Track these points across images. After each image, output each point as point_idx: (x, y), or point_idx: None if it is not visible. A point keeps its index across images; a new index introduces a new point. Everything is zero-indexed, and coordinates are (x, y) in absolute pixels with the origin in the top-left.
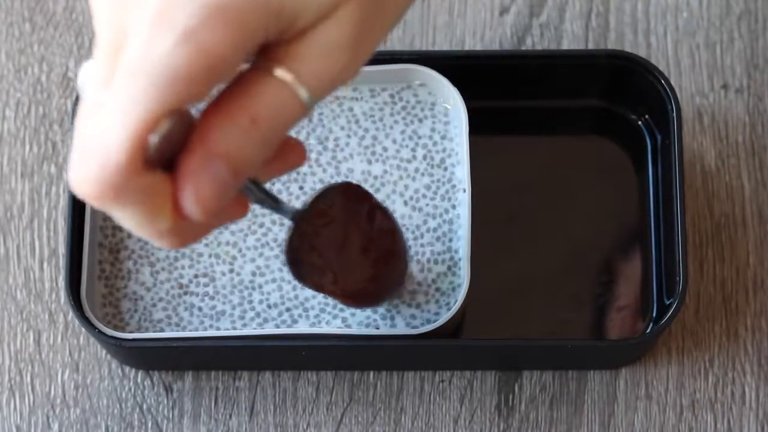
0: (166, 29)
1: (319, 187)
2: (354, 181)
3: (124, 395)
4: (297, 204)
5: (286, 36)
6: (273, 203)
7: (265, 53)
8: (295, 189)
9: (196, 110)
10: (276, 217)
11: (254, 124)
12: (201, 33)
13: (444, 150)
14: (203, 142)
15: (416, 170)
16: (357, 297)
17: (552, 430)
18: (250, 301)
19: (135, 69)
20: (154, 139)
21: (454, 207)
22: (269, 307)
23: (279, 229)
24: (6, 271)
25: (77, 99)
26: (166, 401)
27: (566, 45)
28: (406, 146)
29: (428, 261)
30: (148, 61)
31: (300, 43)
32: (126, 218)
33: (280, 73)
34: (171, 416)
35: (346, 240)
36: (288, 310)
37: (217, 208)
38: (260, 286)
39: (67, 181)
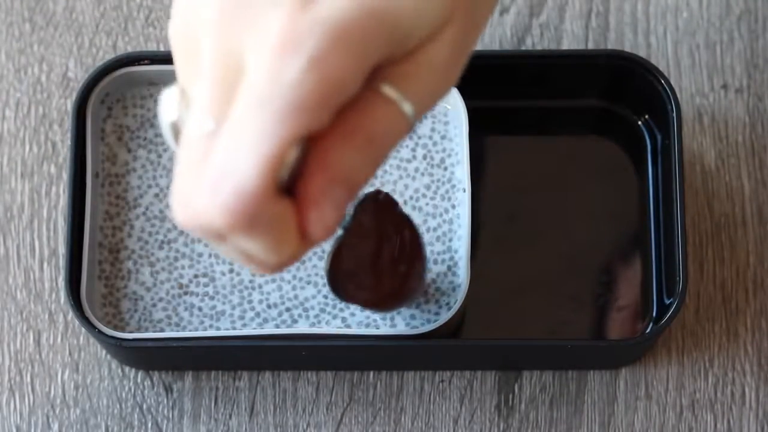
0: (292, 56)
1: None
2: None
3: (124, 395)
4: None
5: (396, 56)
6: None
7: (374, 73)
8: None
9: None
10: None
11: (370, 144)
12: (328, 59)
13: (444, 150)
14: (324, 167)
15: (416, 170)
16: (386, 304)
17: (552, 430)
18: (250, 301)
19: (263, 98)
20: (285, 166)
21: (453, 207)
22: (269, 307)
23: None
24: (6, 271)
25: (77, 99)
26: (166, 401)
27: (566, 45)
28: (406, 146)
29: (428, 261)
30: (277, 89)
31: (409, 62)
32: (252, 246)
33: (390, 91)
34: (171, 416)
35: (380, 251)
36: (288, 310)
37: (336, 228)
38: (260, 286)
39: (175, 217)
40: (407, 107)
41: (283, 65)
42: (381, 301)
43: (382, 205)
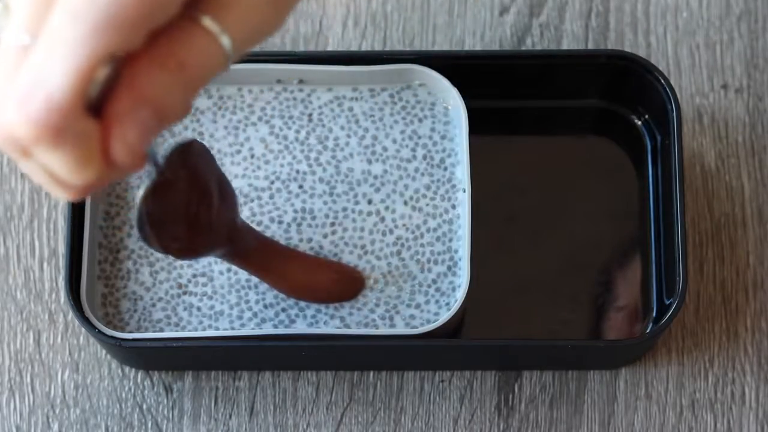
0: None
1: (318, 186)
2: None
3: (124, 395)
4: (295, 203)
5: None
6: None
7: (195, 2)
8: (295, 188)
9: None
10: (275, 215)
11: (181, 70)
12: None
13: (444, 150)
14: (131, 87)
15: (416, 170)
16: (194, 253)
17: (552, 430)
18: (247, 301)
19: (77, 11)
20: (94, 82)
21: (454, 207)
22: (266, 307)
23: (277, 227)
24: (6, 271)
25: None
26: (166, 401)
27: (566, 45)
28: (406, 146)
29: (428, 261)
30: (91, 3)
31: None
32: (56, 163)
33: (207, 22)
34: (171, 416)
35: (190, 201)
36: (284, 310)
37: (142, 155)
38: (256, 286)
39: None
40: (225, 41)
41: None
42: (189, 251)
43: (197, 155)
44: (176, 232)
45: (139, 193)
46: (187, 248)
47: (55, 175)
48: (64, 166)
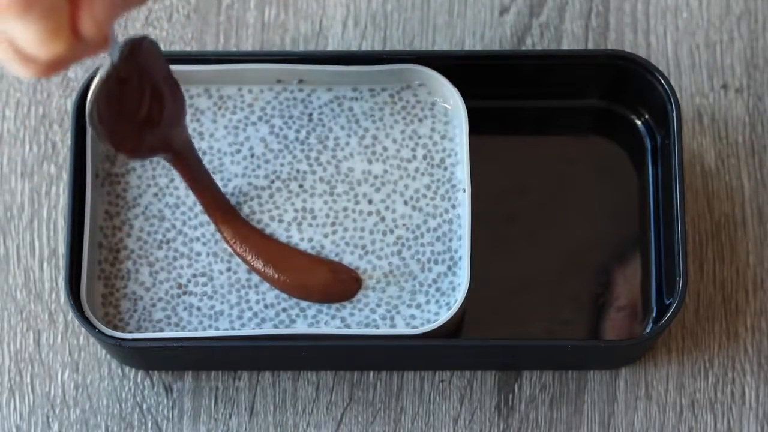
0: None
1: (319, 186)
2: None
3: (124, 395)
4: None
5: None
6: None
7: None
8: (295, 187)
9: None
10: (275, 214)
11: None
12: None
13: (444, 150)
14: None
15: (416, 170)
16: (139, 153)
17: (552, 430)
18: (247, 301)
19: None
20: None
21: (454, 207)
22: (266, 307)
23: (277, 226)
24: (6, 271)
25: (77, 99)
26: (166, 401)
27: (566, 45)
28: (406, 146)
29: (428, 261)
30: None
31: None
32: (23, 34)
33: None
34: (171, 416)
35: (141, 99)
36: (284, 310)
37: (107, 33)
38: (256, 286)
39: None
40: None
41: None
42: (139, 150)
43: (147, 53)
44: (127, 130)
45: (92, 88)
46: (138, 147)
47: (22, 48)
48: (33, 38)
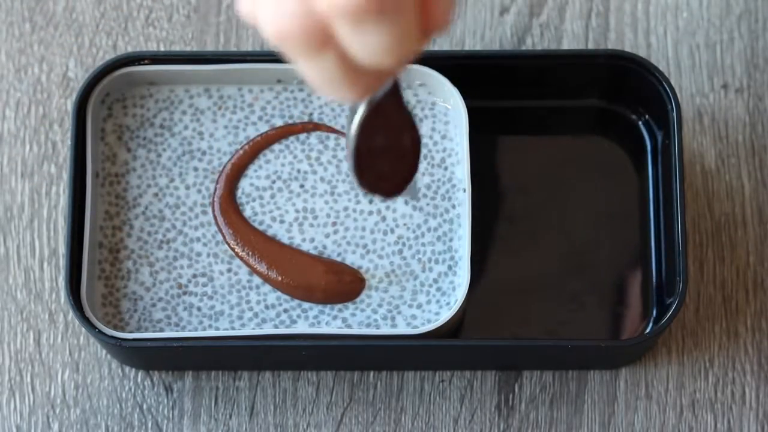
0: None
1: (320, 186)
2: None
3: (124, 395)
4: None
5: None
6: None
7: None
8: (296, 187)
9: None
10: (276, 214)
11: None
12: None
13: (444, 150)
14: None
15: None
16: (392, 194)
17: (552, 430)
18: (248, 301)
19: None
20: None
21: (454, 207)
22: (267, 307)
23: (279, 226)
24: (6, 271)
25: (77, 99)
26: (166, 401)
27: (566, 45)
28: None
29: (429, 260)
30: None
31: None
32: (373, 41)
33: None
34: (171, 416)
35: (398, 138)
36: (286, 311)
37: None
38: (257, 287)
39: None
40: None
41: None
42: (392, 191)
43: (398, 92)
44: (384, 168)
45: (356, 122)
46: (395, 189)
47: (356, 63)
48: (383, 43)
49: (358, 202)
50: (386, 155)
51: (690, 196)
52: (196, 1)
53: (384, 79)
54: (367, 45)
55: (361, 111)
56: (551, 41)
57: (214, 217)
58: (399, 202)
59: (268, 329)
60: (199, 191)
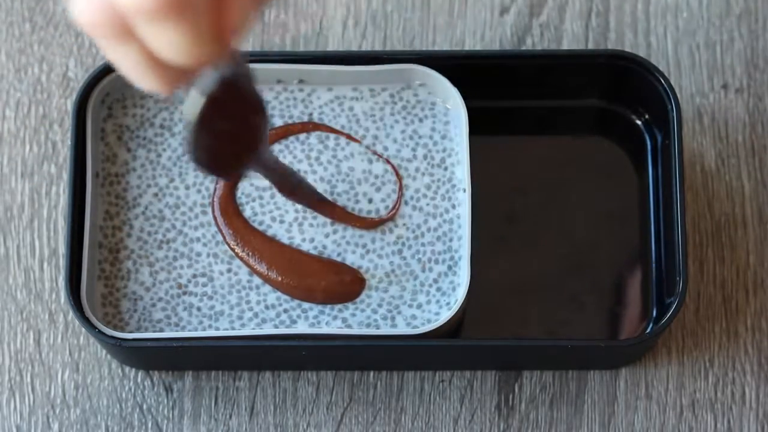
0: None
1: (319, 186)
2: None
3: (124, 395)
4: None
5: None
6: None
7: None
8: None
9: None
10: (276, 214)
11: None
12: None
13: (444, 150)
14: None
15: (416, 170)
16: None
17: (552, 430)
18: (248, 302)
19: None
20: None
21: (454, 207)
22: (267, 308)
23: (279, 226)
24: (6, 271)
25: (77, 99)
26: (166, 401)
27: (566, 45)
28: (407, 146)
29: (429, 260)
30: None
31: None
32: (168, 39)
33: None
34: (171, 416)
35: (239, 124)
36: (286, 311)
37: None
38: (257, 287)
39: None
40: None
41: None
42: (232, 173)
43: (242, 77)
44: (224, 151)
45: (188, 106)
46: (234, 169)
47: (157, 57)
48: (177, 42)
49: (357, 202)
50: (225, 138)
51: (690, 196)
52: None
53: (191, 74)
54: (162, 42)
55: (196, 95)
56: (551, 41)
57: (214, 217)
58: (399, 202)
59: (268, 329)
60: (199, 191)
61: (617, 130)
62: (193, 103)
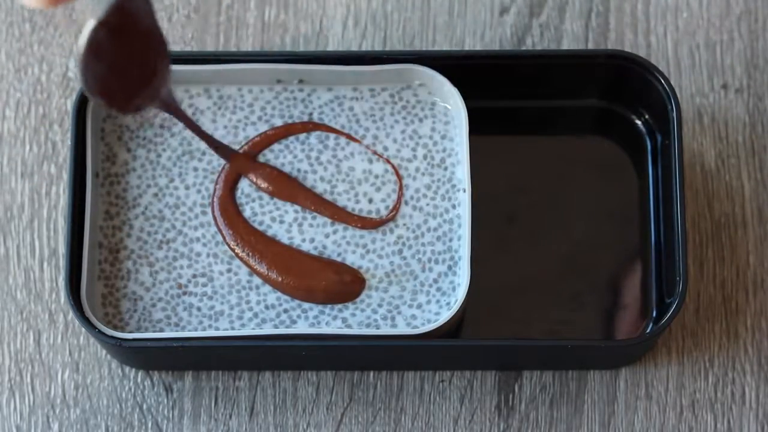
0: None
1: (320, 186)
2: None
3: (124, 395)
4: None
5: None
6: None
7: None
8: None
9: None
10: (276, 214)
11: None
12: None
13: (444, 150)
14: None
15: (416, 170)
16: (127, 109)
17: (552, 430)
18: (248, 302)
19: None
20: None
21: (454, 207)
22: (267, 308)
23: (279, 226)
24: (6, 271)
25: (77, 99)
26: (166, 401)
27: (566, 45)
28: (407, 146)
29: (429, 260)
30: None
31: None
32: None
33: None
34: (171, 416)
35: (131, 53)
36: (286, 311)
37: None
38: (257, 287)
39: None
40: None
41: None
42: (126, 106)
43: (141, 10)
44: (118, 84)
45: (81, 37)
46: (129, 102)
47: None
48: None
49: (357, 202)
50: (118, 68)
51: (690, 196)
52: (196, 1)
53: None
54: None
55: (91, 20)
56: (551, 41)
57: (214, 217)
58: (399, 203)
59: (268, 329)
60: (199, 191)
61: (617, 130)
62: (87, 27)
